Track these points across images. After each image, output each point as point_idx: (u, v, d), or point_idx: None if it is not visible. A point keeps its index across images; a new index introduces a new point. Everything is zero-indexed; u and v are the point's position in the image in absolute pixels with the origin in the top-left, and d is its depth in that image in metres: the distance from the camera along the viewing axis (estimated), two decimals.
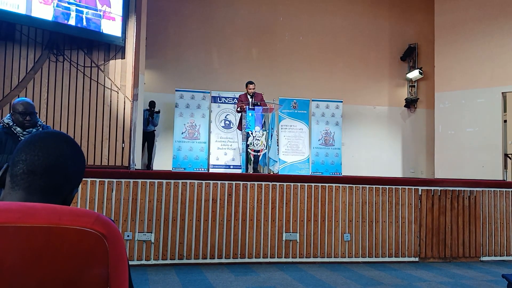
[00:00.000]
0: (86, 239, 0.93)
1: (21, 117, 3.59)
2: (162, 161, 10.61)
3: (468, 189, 6.34)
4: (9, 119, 3.65)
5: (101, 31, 6.93)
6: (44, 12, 6.41)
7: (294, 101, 10.92)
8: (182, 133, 10.19)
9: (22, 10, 6.20)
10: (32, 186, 1.06)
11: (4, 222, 0.91)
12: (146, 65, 9.48)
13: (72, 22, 6.66)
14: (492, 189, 6.45)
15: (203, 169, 10.00)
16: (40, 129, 3.65)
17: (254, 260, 5.52)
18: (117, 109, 7.11)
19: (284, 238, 5.63)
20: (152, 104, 10.00)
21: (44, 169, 1.07)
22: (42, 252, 0.92)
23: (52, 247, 0.92)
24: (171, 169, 9.80)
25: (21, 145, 1.11)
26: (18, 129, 3.60)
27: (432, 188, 6.20)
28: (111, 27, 7.01)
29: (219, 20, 11.59)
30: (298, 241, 5.68)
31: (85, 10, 6.77)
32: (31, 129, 3.64)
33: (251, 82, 7.68)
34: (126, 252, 1.03)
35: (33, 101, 6.78)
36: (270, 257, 5.57)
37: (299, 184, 5.79)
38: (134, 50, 7.32)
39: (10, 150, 3.48)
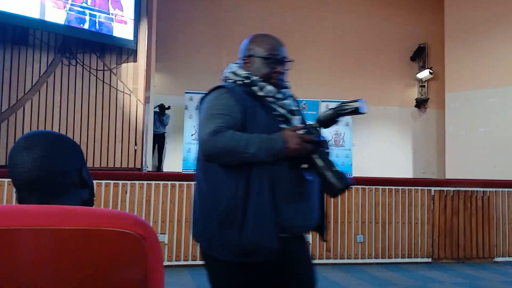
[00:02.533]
0: (126, 241, 0.95)
1: (268, 67, 1.97)
2: (172, 163, 10.64)
3: (481, 189, 6.30)
4: (240, 66, 2.05)
5: (113, 34, 6.98)
6: (57, 16, 6.47)
7: (304, 102, 10.92)
8: (192, 135, 10.22)
9: (36, 15, 6.26)
10: (41, 200, 1.07)
11: (45, 225, 0.93)
12: (156, 67, 9.52)
13: (84, 26, 6.72)
14: (506, 189, 6.41)
15: None
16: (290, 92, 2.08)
17: None
18: (130, 112, 7.16)
19: None
20: (160, 106, 10.03)
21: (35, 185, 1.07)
22: (83, 254, 0.94)
23: (93, 249, 0.94)
24: (181, 171, 9.83)
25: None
26: (269, 87, 1.92)
27: (445, 188, 6.18)
28: (123, 31, 7.07)
29: (228, 22, 11.61)
30: (310, 242, 5.68)
31: (97, 14, 6.83)
32: (286, 90, 2.05)
33: None
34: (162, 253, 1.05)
35: (46, 105, 6.88)
36: None
37: None
38: (146, 53, 7.37)
39: (264, 125, 1.81)
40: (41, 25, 6.44)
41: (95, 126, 6.96)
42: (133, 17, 7.19)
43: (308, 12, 12.01)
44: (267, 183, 1.74)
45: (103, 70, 7.11)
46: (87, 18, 6.73)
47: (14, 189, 1.10)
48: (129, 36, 7.10)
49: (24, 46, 6.68)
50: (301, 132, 1.80)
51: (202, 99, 2.01)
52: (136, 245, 0.96)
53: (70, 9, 6.57)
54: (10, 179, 1.13)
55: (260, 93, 1.91)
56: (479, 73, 10.71)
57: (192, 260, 5.35)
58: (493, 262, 6.21)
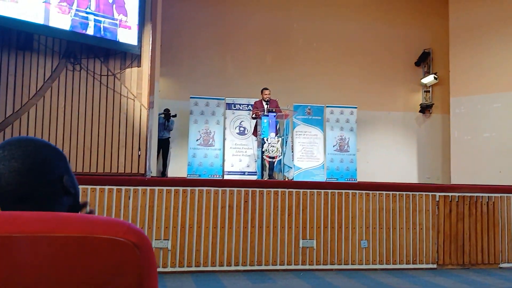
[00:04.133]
0: (119, 249, 0.94)
1: None
2: (176, 168, 10.65)
3: (486, 195, 6.26)
4: None
5: (117, 40, 7.00)
6: (62, 21, 6.50)
7: (309, 107, 10.91)
8: (197, 140, 10.23)
9: (40, 20, 6.29)
10: (24, 207, 1.05)
11: (39, 232, 0.93)
12: (161, 72, 9.55)
13: (89, 31, 6.75)
14: (511, 195, 6.36)
15: (217, 176, 10.02)
16: None
17: (270, 267, 5.51)
18: (133, 117, 7.17)
19: (300, 245, 5.61)
20: (166, 110, 10.07)
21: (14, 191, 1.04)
22: (76, 262, 0.93)
23: (86, 257, 0.93)
24: (185, 176, 9.83)
25: None
26: None
27: (450, 194, 6.14)
28: (127, 36, 7.09)
29: (233, 27, 11.63)
30: (315, 248, 5.66)
31: (102, 19, 6.86)
32: None
33: (266, 88, 7.72)
34: (156, 261, 1.04)
35: (50, 110, 6.90)
36: (287, 264, 5.55)
37: (315, 190, 5.77)
38: (150, 58, 7.39)
39: None
40: (46, 30, 6.47)
41: (98, 131, 6.97)
42: (137, 22, 7.21)
43: (313, 18, 12.01)
44: None
45: (107, 75, 7.12)
46: (91, 23, 6.76)
47: None
48: (133, 41, 7.11)
49: (29, 51, 6.71)
50: None
51: None
52: (129, 253, 0.95)
53: (74, 15, 6.61)
54: None
55: None
56: (483, 78, 10.67)
57: (195, 266, 5.33)
58: (499, 268, 6.16)
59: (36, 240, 0.92)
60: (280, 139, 7.46)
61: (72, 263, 0.93)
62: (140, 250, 0.96)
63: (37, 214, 0.98)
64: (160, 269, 5.22)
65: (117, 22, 6.99)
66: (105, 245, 0.94)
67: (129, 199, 5.25)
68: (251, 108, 9.31)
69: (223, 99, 10.56)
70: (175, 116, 10.18)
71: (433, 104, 12.28)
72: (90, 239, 0.94)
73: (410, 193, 6.03)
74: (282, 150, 7.62)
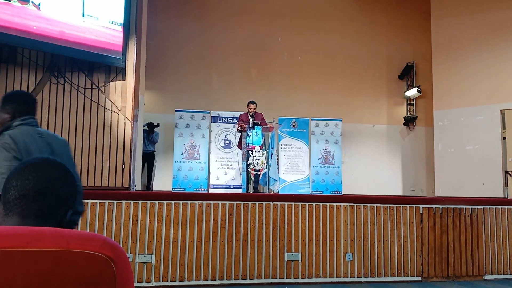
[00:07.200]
0: (94, 263, 0.94)
1: None
2: (161, 182, 10.60)
3: (470, 207, 6.31)
4: None
5: (101, 53, 6.98)
6: (46, 34, 6.46)
7: (294, 120, 10.95)
8: (182, 154, 10.19)
9: (24, 34, 6.25)
10: (25, 210, 1.06)
11: (12, 247, 0.91)
12: (146, 86, 9.53)
13: (73, 44, 6.72)
14: (494, 207, 6.43)
15: (203, 189, 9.98)
16: None
17: (255, 281, 5.48)
18: (117, 130, 7.13)
19: (285, 258, 5.60)
20: (150, 124, 10.05)
21: (35, 192, 1.08)
22: (50, 276, 0.92)
23: (60, 272, 0.92)
24: (171, 190, 9.77)
25: (11, 172, 1.12)
26: None
27: (434, 206, 6.18)
28: (112, 49, 7.07)
29: (218, 41, 11.68)
30: (299, 261, 5.64)
31: (87, 32, 6.84)
32: None
33: (252, 102, 7.75)
34: (133, 275, 1.03)
35: None
36: (272, 278, 5.52)
37: (300, 203, 5.77)
38: (134, 72, 7.37)
39: None
40: (30, 43, 6.42)
41: (82, 145, 6.91)
42: (121, 36, 7.20)
43: (297, 32, 12.12)
44: None
45: (91, 88, 7.09)
46: (76, 36, 6.73)
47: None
48: (118, 54, 7.10)
49: (12, 64, 6.65)
50: None
51: None
52: (104, 267, 0.94)
53: (59, 28, 6.58)
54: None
55: None
56: (466, 91, 10.83)
57: (179, 281, 5.28)
58: (483, 280, 6.20)
59: (9, 255, 0.91)
60: (265, 152, 7.46)
61: (47, 277, 0.92)
62: (116, 265, 0.95)
63: (10, 228, 0.97)
64: (144, 284, 5.16)
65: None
66: (80, 260, 0.93)
67: (112, 213, 5.20)
68: (236, 121, 9.32)
69: (208, 112, 10.57)
70: (158, 125, 10.18)
71: (416, 117, 12.42)
72: (65, 254, 0.93)
73: (395, 205, 6.06)
74: (267, 163, 7.62)
